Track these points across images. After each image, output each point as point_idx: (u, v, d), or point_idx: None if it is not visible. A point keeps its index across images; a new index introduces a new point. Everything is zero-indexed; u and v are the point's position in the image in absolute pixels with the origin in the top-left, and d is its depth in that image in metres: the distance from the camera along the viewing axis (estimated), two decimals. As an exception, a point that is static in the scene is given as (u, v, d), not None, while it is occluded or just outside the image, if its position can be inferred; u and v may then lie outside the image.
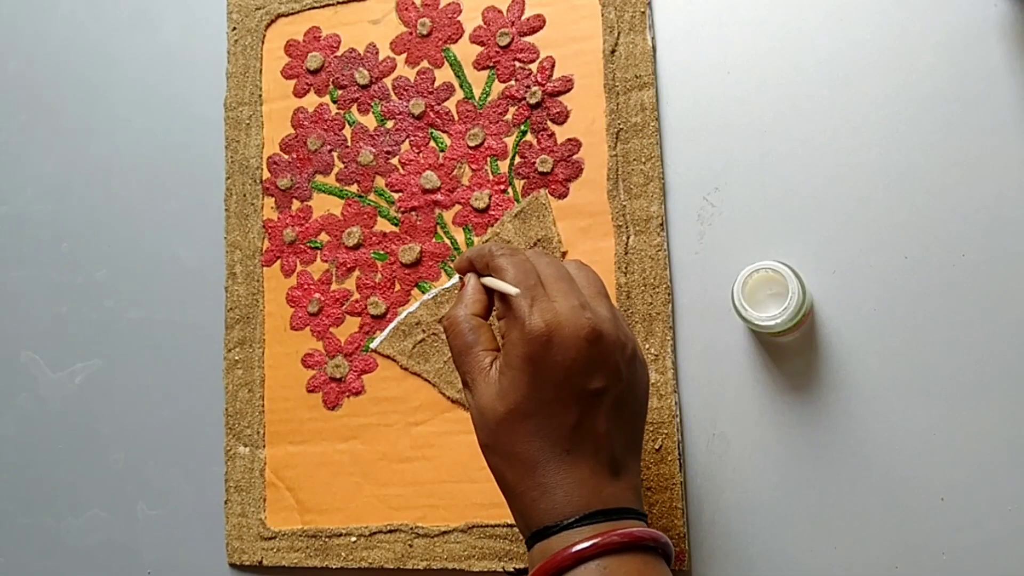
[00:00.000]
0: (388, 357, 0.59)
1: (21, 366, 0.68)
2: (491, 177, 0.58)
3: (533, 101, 0.58)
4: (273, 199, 0.63)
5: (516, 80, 0.59)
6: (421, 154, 0.60)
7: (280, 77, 0.64)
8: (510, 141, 0.58)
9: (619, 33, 0.57)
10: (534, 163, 0.57)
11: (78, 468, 0.65)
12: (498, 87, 0.59)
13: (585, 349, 0.38)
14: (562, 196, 0.57)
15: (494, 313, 0.43)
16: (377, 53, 0.62)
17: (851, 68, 0.53)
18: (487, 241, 0.58)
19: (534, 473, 0.39)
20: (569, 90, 0.57)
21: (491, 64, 0.59)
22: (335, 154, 0.62)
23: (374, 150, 0.61)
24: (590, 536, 0.37)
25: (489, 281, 0.42)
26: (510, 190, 0.58)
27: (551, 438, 0.39)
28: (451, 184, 0.59)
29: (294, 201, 0.62)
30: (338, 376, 0.60)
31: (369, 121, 0.61)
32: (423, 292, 0.59)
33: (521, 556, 0.54)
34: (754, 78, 0.55)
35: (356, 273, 0.60)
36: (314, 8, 0.64)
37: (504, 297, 0.40)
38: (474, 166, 0.59)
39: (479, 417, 0.41)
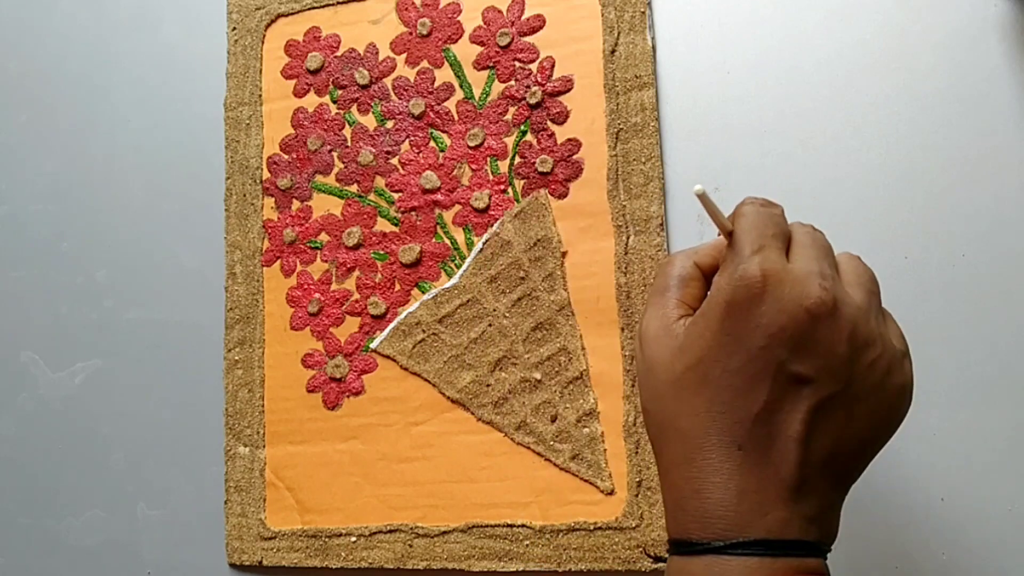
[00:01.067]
0: (388, 357, 0.59)
1: (21, 366, 0.68)
2: (491, 177, 0.58)
3: (533, 101, 0.58)
4: (273, 199, 0.63)
5: (516, 80, 0.59)
6: (421, 154, 0.60)
7: (280, 77, 0.64)
8: (510, 141, 0.58)
9: (619, 33, 0.57)
10: (534, 163, 0.57)
11: (78, 468, 0.65)
12: (498, 87, 0.59)
13: (804, 321, 0.30)
14: (562, 196, 0.57)
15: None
16: (377, 53, 0.62)
17: (851, 68, 0.53)
18: (487, 242, 0.58)
19: (692, 461, 0.31)
20: (569, 90, 0.57)
21: (491, 64, 0.59)
22: (335, 154, 0.62)
23: (374, 150, 0.61)
24: (738, 572, 0.29)
25: (710, 208, 0.34)
26: (510, 190, 0.58)
27: (723, 421, 0.30)
28: (451, 184, 0.59)
29: (294, 201, 0.62)
30: (338, 376, 0.60)
31: (369, 121, 0.61)
32: (423, 292, 0.59)
33: (521, 556, 0.54)
34: (754, 78, 0.55)
35: (356, 273, 0.60)
36: (314, 8, 0.64)
37: (736, 239, 0.33)
38: (474, 166, 0.59)
39: (646, 373, 0.33)
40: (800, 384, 0.30)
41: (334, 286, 0.61)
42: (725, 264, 0.32)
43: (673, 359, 0.32)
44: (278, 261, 0.62)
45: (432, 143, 0.60)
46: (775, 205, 0.35)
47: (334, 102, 0.62)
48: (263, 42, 0.65)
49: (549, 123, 0.58)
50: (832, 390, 0.30)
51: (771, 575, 0.29)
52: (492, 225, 0.58)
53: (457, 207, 0.59)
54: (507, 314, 0.57)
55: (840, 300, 0.31)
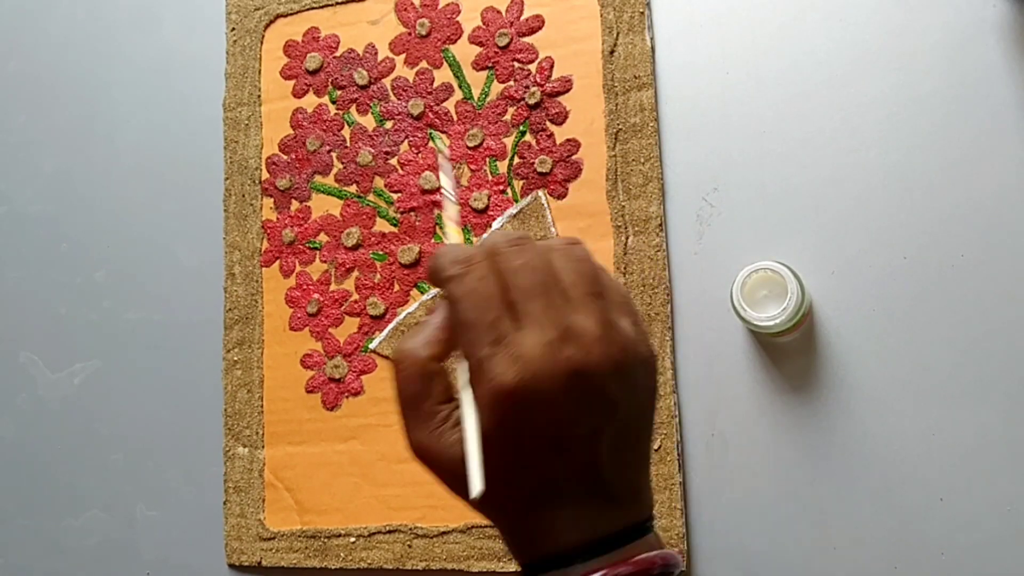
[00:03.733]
0: (387, 358, 0.59)
1: (20, 367, 0.68)
2: (490, 177, 0.58)
3: (532, 101, 0.58)
4: (272, 199, 0.63)
5: (515, 80, 0.59)
6: (420, 154, 0.60)
7: (279, 77, 0.64)
8: (509, 141, 0.58)
9: (618, 34, 0.57)
10: (533, 163, 0.57)
11: (77, 469, 0.65)
12: (497, 87, 0.59)
13: (569, 397, 0.29)
14: (561, 196, 0.57)
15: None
16: (376, 53, 0.62)
17: (850, 68, 0.53)
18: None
19: (525, 517, 0.31)
20: (568, 90, 0.57)
21: (490, 64, 0.59)
22: (334, 154, 0.62)
23: (373, 150, 0.61)
24: (595, 569, 0.29)
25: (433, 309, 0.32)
26: (509, 190, 0.58)
27: (542, 487, 0.31)
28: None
29: (293, 201, 0.62)
30: (337, 376, 0.60)
31: (368, 121, 0.61)
32: (422, 292, 0.59)
33: (520, 556, 0.54)
34: (753, 79, 0.55)
35: (355, 274, 0.60)
36: (313, 9, 0.64)
37: (465, 335, 0.31)
38: (473, 166, 0.59)
39: (447, 477, 0.33)
40: (595, 435, 0.30)
41: (333, 286, 0.61)
42: (473, 372, 0.30)
43: (459, 483, 0.31)
44: (277, 261, 0.62)
45: (431, 143, 0.60)
46: (472, 260, 0.31)
47: (333, 102, 0.62)
48: (262, 42, 0.65)
49: (548, 123, 0.58)
50: (620, 418, 0.31)
51: (618, 560, 0.30)
52: (491, 225, 0.58)
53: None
54: (506, 314, 0.57)
55: (580, 348, 0.29)
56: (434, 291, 0.58)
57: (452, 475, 0.32)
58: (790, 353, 0.52)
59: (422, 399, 0.32)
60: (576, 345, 0.30)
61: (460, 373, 0.31)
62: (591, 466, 0.31)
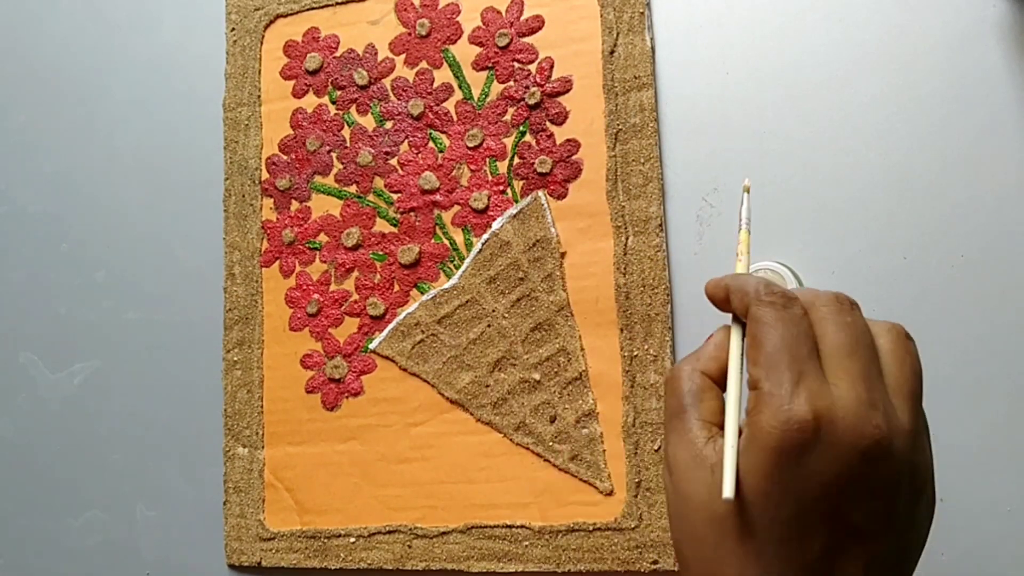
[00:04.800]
0: (387, 358, 0.59)
1: (20, 367, 0.68)
2: (490, 178, 0.58)
3: (532, 102, 0.58)
4: (272, 200, 0.63)
5: (515, 81, 0.58)
6: (420, 155, 0.60)
7: (279, 78, 0.64)
8: (509, 142, 0.58)
9: (618, 34, 0.57)
10: (533, 164, 0.57)
11: (77, 469, 0.65)
12: (497, 88, 0.59)
13: (859, 466, 0.27)
14: (561, 197, 0.57)
15: (746, 380, 0.30)
16: (376, 54, 0.62)
17: (850, 69, 0.53)
18: (486, 243, 0.58)
19: (729, 559, 0.28)
20: (568, 91, 0.57)
21: (490, 65, 0.59)
22: (334, 155, 0.62)
23: (373, 151, 0.61)
24: None
25: (735, 349, 0.31)
26: (509, 191, 0.58)
27: (774, 572, 0.27)
28: (450, 185, 0.59)
29: (293, 202, 0.62)
30: (337, 377, 0.60)
31: (368, 122, 0.61)
32: (422, 293, 0.59)
33: (520, 557, 0.54)
34: (753, 79, 0.55)
35: (355, 274, 0.60)
36: (313, 9, 0.64)
37: (759, 360, 0.29)
38: (473, 167, 0.59)
39: (678, 509, 0.30)
40: (858, 536, 0.27)
41: (333, 287, 0.61)
42: (764, 397, 0.28)
43: (711, 497, 0.28)
44: (277, 262, 0.62)
45: (431, 144, 0.60)
46: (792, 300, 0.29)
47: (333, 103, 0.62)
48: (262, 43, 0.65)
49: (548, 124, 0.58)
50: (889, 543, 0.28)
51: None
52: (491, 226, 0.58)
53: (456, 208, 0.59)
54: (506, 315, 0.57)
55: (892, 430, 0.27)
56: (435, 291, 0.58)
57: (686, 497, 0.29)
58: (790, 353, 0.52)
59: (688, 412, 0.31)
60: (887, 421, 0.27)
61: (731, 400, 0.30)
62: (837, 563, 0.27)
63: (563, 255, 0.56)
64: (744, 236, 0.35)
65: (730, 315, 0.33)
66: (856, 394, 0.27)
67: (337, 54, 0.63)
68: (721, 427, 0.30)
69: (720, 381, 0.32)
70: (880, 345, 0.29)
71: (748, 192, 0.35)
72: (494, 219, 0.58)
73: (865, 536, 0.27)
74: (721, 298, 0.33)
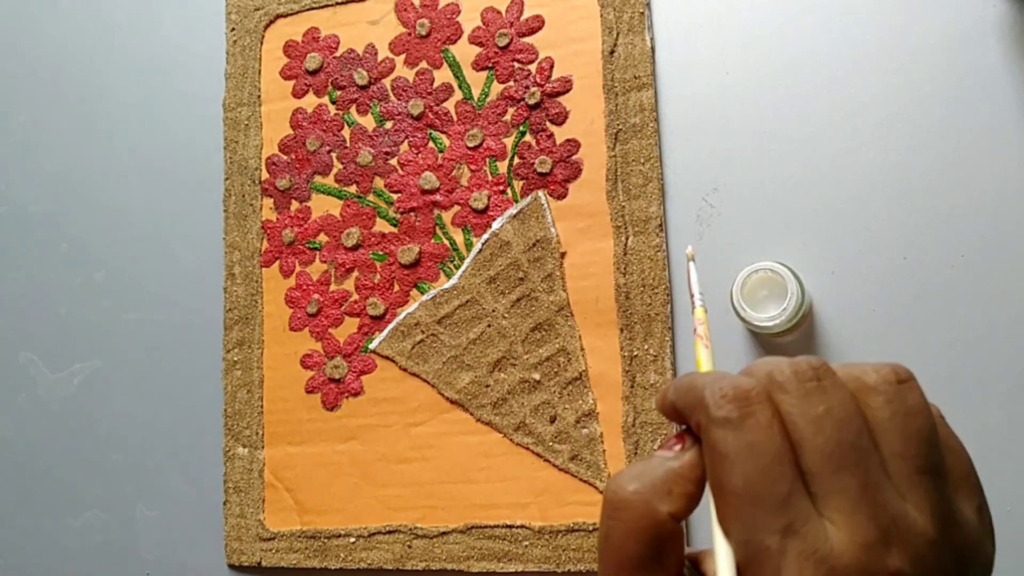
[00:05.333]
0: (387, 358, 0.59)
1: (20, 367, 0.68)
2: (490, 178, 0.58)
3: (532, 102, 0.58)
4: (272, 200, 0.63)
5: (515, 81, 0.58)
6: (420, 155, 0.60)
7: (279, 78, 0.64)
8: (509, 142, 0.58)
9: (618, 34, 0.57)
10: (533, 164, 0.57)
11: (77, 469, 0.65)
12: (497, 88, 0.59)
13: None
14: (561, 197, 0.57)
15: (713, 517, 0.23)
16: (376, 54, 0.62)
17: (850, 69, 0.53)
18: (486, 243, 0.57)
19: None
20: (568, 91, 0.57)
21: (490, 65, 0.59)
22: (334, 155, 0.62)
23: (373, 151, 0.61)
24: None
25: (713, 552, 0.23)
26: (509, 191, 0.58)
27: None
28: (450, 185, 0.59)
29: (293, 202, 0.62)
30: (337, 377, 0.60)
31: (368, 122, 0.61)
32: (422, 293, 0.59)
33: (520, 557, 0.54)
34: (753, 79, 0.55)
35: (355, 274, 0.60)
36: (313, 9, 0.64)
37: (734, 505, 0.22)
38: (473, 167, 0.59)
39: None
40: None
41: (333, 287, 0.61)
42: (751, 561, 0.21)
43: None
44: (277, 262, 0.62)
45: (431, 144, 0.60)
46: (749, 403, 0.21)
47: (333, 103, 0.62)
48: (262, 43, 0.65)
49: (548, 124, 0.58)
50: None
51: None
52: (491, 226, 0.58)
53: (456, 208, 0.59)
54: (506, 315, 0.57)
55: (914, 557, 0.21)
56: (435, 291, 0.58)
57: None
58: (790, 353, 0.52)
59: (646, 567, 0.23)
60: (905, 552, 0.21)
61: (717, 554, 0.22)
62: None
63: (563, 255, 0.56)
64: (700, 314, 0.28)
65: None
66: (860, 536, 0.20)
67: (337, 54, 0.63)
68: None
69: (685, 511, 0.23)
70: (873, 419, 0.22)
71: (692, 260, 0.29)
72: (494, 219, 0.58)
73: None
74: (668, 409, 0.24)
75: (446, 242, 0.59)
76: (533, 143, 0.58)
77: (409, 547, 0.56)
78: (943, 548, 0.22)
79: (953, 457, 0.23)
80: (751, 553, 0.21)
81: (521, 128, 0.58)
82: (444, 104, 0.60)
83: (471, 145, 0.59)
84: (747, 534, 0.21)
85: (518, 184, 0.58)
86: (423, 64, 0.61)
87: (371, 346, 0.59)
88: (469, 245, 0.58)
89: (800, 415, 0.21)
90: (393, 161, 0.60)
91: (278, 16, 0.65)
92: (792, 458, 0.21)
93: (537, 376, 0.55)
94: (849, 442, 0.21)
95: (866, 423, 0.21)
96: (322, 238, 0.61)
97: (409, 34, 0.61)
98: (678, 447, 0.23)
